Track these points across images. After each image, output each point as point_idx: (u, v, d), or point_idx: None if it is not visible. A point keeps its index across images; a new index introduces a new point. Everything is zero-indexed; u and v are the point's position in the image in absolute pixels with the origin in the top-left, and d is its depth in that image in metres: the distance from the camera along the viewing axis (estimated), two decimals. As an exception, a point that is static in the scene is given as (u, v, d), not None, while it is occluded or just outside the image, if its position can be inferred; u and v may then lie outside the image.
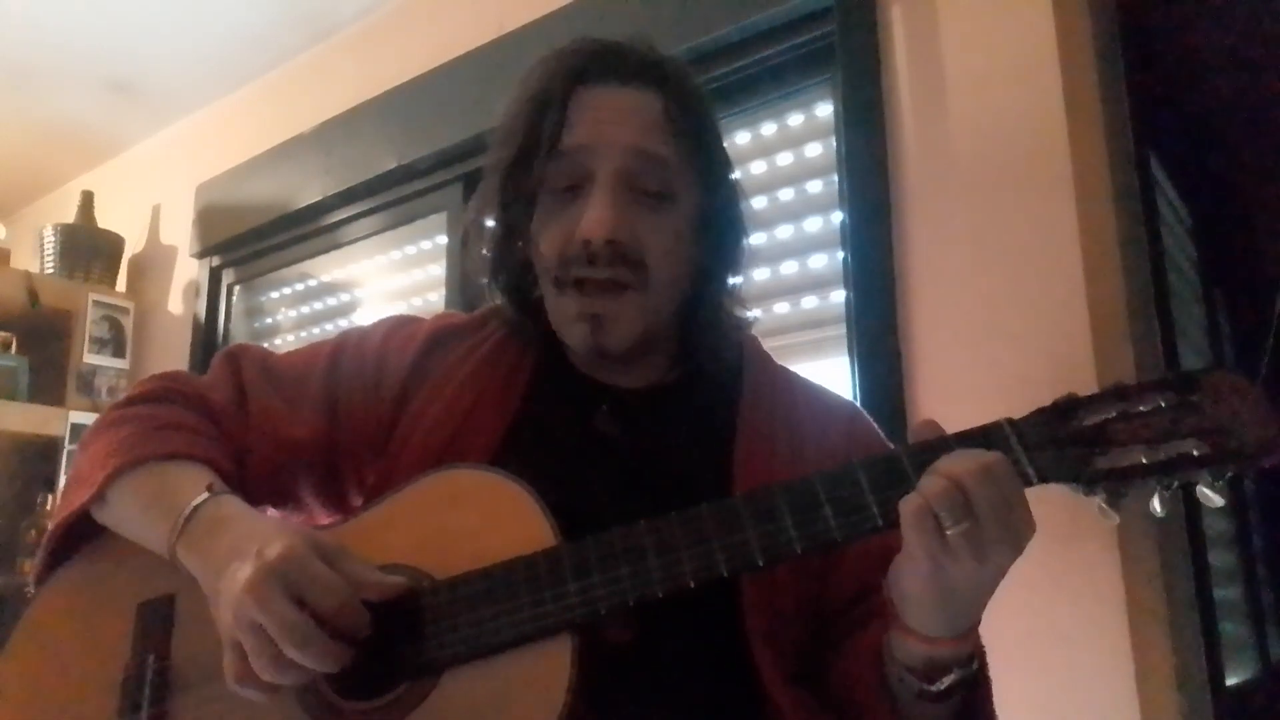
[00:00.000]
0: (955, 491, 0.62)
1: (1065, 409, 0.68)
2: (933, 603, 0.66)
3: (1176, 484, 0.65)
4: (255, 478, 0.87)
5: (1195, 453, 0.64)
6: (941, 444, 0.67)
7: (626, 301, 0.83)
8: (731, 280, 0.93)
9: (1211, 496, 0.65)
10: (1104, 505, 0.66)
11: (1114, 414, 0.66)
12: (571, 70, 0.85)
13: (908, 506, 0.64)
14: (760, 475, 0.80)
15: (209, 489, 0.78)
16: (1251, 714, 1.70)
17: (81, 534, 0.85)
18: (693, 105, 0.87)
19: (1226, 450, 0.63)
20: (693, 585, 0.68)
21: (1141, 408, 0.66)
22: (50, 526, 0.86)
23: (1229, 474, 0.64)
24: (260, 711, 0.70)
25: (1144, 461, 0.64)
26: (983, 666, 0.73)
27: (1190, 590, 1.29)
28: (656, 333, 0.88)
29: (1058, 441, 0.66)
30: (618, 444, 0.85)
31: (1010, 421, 0.68)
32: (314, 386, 0.90)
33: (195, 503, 0.76)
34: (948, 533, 0.62)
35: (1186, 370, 0.67)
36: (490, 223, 0.92)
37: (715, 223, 0.89)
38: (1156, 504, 0.66)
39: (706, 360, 0.92)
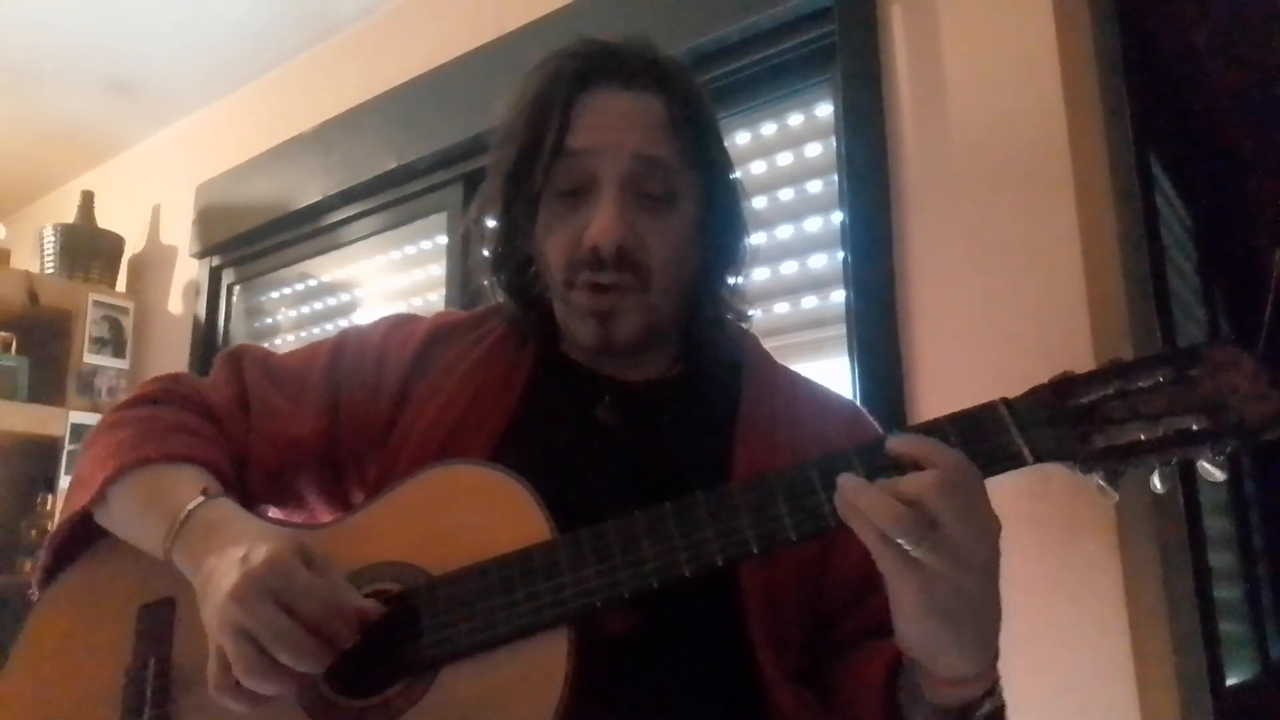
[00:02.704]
0: (908, 515, 0.60)
1: (1061, 387, 0.66)
2: (939, 630, 0.63)
3: (1176, 460, 0.64)
4: (257, 478, 0.88)
5: (1195, 428, 0.62)
6: (935, 427, 0.67)
7: (631, 300, 0.83)
8: (733, 274, 0.94)
9: (1213, 471, 0.63)
10: (1102, 483, 0.65)
11: (1111, 391, 0.65)
12: (573, 73, 0.85)
13: (866, 538, 0.62)
14: (760, 469, 0.80)
15: (204, 492, 0.78)
16: (1251, 714, 1.70)
17: (83, 537, 0.85)
18: (694, 106, 0.87)
19: (1226, 424, 0.62)
20: (688, 575, 0.67)
21: (1139, 384, 0.65)
22: (52, 529, 0.86)
23: (1229, 449, 0.62)
24: (259, 710, 0.70)
25: (1142, 438, 0.63)
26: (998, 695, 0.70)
27: (1190, 590, 1.29)
28: (659, 328, 0.88)
29: (1054, 420, 0.65)
30: (618, 436, 0.85)
31: (1006, 401, 0.67)
32: (315, 384, 0.90)
33: (190, 506, 0.77)
34: (913, 555, 0.60)
35: (1185, 345, 0.66)
36: (492, 222, 0.92)
37: (717, 222, 0.90)
38: (1156, 480, 0.65)
39: (707, 356, 0.92)
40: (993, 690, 0.67)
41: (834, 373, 1.56)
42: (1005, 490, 1.27)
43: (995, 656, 0.66)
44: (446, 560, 0.73)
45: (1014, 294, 1.35)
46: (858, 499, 0.62)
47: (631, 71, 0.86)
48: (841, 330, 1.56)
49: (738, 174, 0.94)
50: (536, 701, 0.66)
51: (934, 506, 0.60)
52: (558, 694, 0.65)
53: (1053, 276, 1.31)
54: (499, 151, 0.89)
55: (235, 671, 0.65)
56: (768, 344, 0.98)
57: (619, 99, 0.85)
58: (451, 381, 0.88)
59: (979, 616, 0.63)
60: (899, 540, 0.60)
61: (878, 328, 1.46)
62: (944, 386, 1.39)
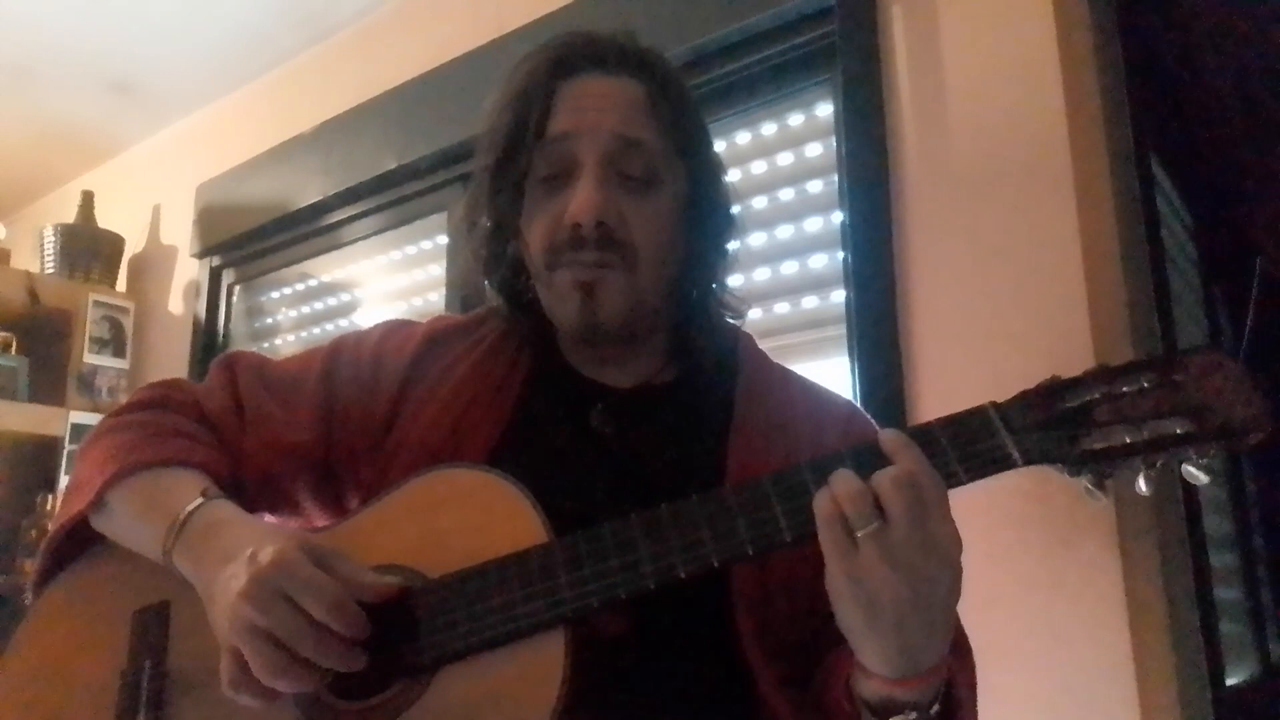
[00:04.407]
0: (866, 494, 0.62)
1: (1050, 391, 0.68)
2: (864, 625, 0.64)
3: (1161, 463, 0.65)
4: (251, 483, 0.87)
5: (1179, 431, 0.63)
6: (926, 431, 0.67)
7: (615, 276, 0.83)
8: (723, 271, 0.94)
9: (1197, 475, 0.64)
10: (1090, 486, 0.66)
11: (1098, 395, 0.66)
12: (554, 62, 0.86)
13: (819, 507, 0.64)
14: (753, 473, 0.80)
15: (203, 494, 0.78)
16: (1251, 714, 1.70)
17: (78, 541, 0.85)
18: (675, 93, 0.88)
19: (1210, 428, 0.63)
20: (683, 576, 0.68)
21: (1125, 388, 0.66)
22: (48, 533, 0.86)
23: (1213, 452, 0.64)
24: (256, 713, 0.70)
25: (1128, 441, 0.64)
26: (952, 714, 0.70)
27: (1190, 590, 1.29)
28: (646, 322, 0.88)
29: (1043, 424, 0.66)
30: (612, 443, 0.85)
31: (995, 405, 0.68)
32: (310, 390, 0.90)
33: (190, 508, 0.77)
34: (857, 535, 0.62)
35: (1169, 350, 0.67)
36: (482, 220, 0.92)
37: (703, 210, 0.90)
38: (1142, 483, 0.66)
39: (699, 353, 0.92)
40: (922, 710, 0.66)
41: (834, 373, 1.56)
42: (1006, 491, 1.28)
43: (927, 675, 0.65)
44: (444, 563, 0.73)
45: (1014, 294, 1.35)
46: (830, 477, 0.65)
47: (611, 58, 0.87)
48: (841, 330, 1.56)
49: (723, 163, 0.95)
50: (534, 702, 0.66)
51: (886, 496, 0.62)
52: (555, 694, 0.65)
53: (1053, 276, 1.31)
54: (485, 148, 0.90)
55: (255, 671, 0.65)
56: (768, 344, 0.97)
57: (599, 83, 0.86)
58: (448, 385, 0.88)
59: (904, 621, 0.63)
60: (847, 516, 0.62)
61: (878, 328, 1.45)
62: (944, 386, 1.39)
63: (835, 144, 1.63)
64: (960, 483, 0.66)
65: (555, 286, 0.85)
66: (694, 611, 0.76)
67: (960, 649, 0.78)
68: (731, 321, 0.96)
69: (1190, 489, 1.32)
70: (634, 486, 0.80)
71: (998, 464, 0.66)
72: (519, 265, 0.91)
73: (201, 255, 2.87)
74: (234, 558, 0.69)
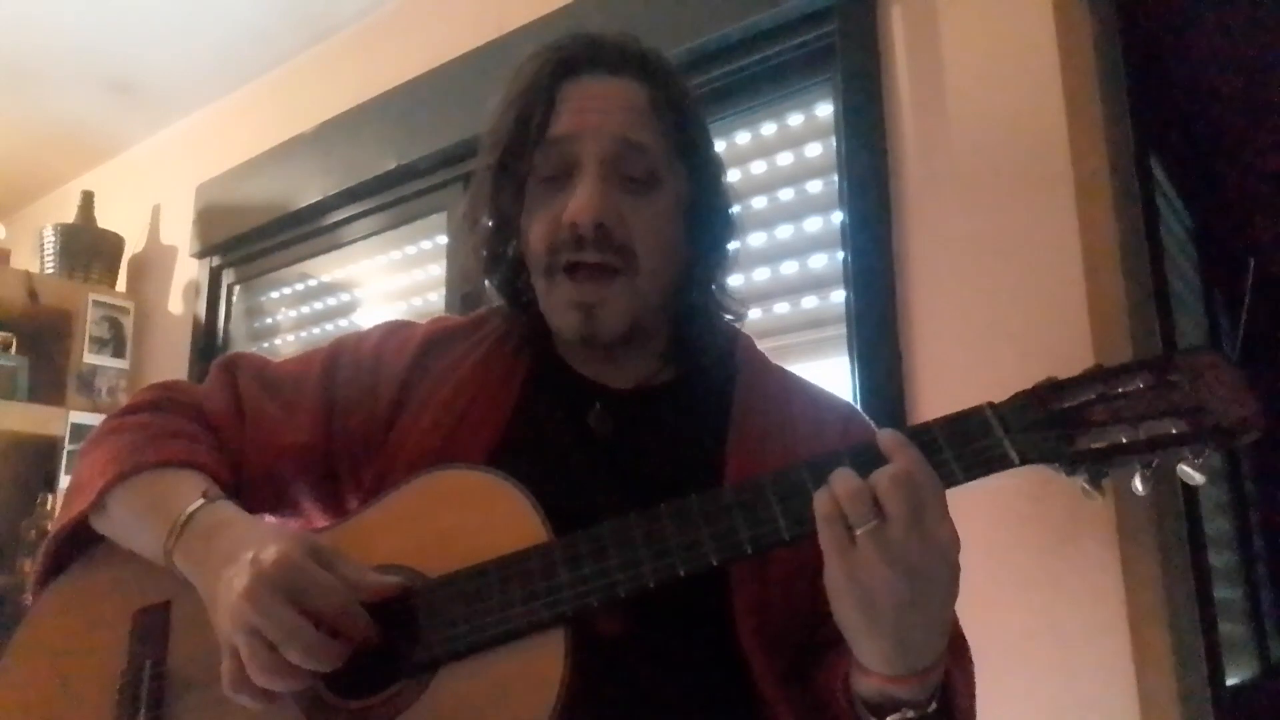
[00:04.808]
0: (865, 493, 0.63)
1: (1046, 392, 0.68)
2: (862, 622, 0.65)
3: (1156, 463, 0.66)
4: (252, 484, 0.88)
5: (1174, 431, 0.64)
6: (924, 431, 0.68)
7: (616, 288, 0.84)
8: (721, 273, 0.94)
9: (1192, 474, 0.65)
10: (1086, 485, 0.67)
11: (1094, 395, 0.67)
12: (558, 63, 0.87)
13: (819, 505, 0.64)
14: (752, 473, 0.80)
15: (205, 495, 0.78)
16: (1251, 714, 1.70)
17: (79, 542, 0.86)
18: (677, 96, 0.88)
19: (1204, 428, 0.64)
20: (683, 575, 0.68)
21: (1120, 389, 0.67)
22: (49, 534, 0.86)
23: (1208, 452, 0.64)
24: (256, 713, 0.70)
25: (1124, 441, 0.65)
26: (950, 712, 0.71)
27: (1190, 590, 1.29)
28: (646, 323, 0.88)
29: (1039, 424, 0.67)
30: (611, 443, 0.86)
31: (992, 405, 0.68)
32: (310, 391, 0.91)
33: (191, 509, 0.77)
34: (856, 533, 0.63)
35: (1165, 351, 0.68)
36: (483, 219, 0.92)
37: (703, 211, 0.90)
38: (1138, 483, 0.67)
39: (698, 355, 0.92)
40: (919, 708, 0.67)
41: (834, 373, 1.56)
42: (1005, 491, 1.28)
43: (924, 673, 0.66)
44: (444, 563, 0.73)
45: (1014, 294, 1.35)
46: (831, 476, 0.65)
47: (614, 60, 0.87)
48: (841, 330, 1.56)
49: (723, 163, 0.95)
50: (534, 700, 0.66)
51: (884, 494, 0.63)
52: (554, 693, 0.65)
53: (1053, 276, 1.31)
54: (487, 148, 0.90)
55: (250, 671, 0.66)
56: (768, 344, 0.97)
57: (602, 85, 0.86)
58: (448, 386, 0.89)
59: (902, 619, 0.64)
60: (846, 514, 0.63)
61: (878, 328, 1.45)
62: (944, 386, 1.39)
63: (835, 144, 1.63)
64: (958, 482, 0.66)
65: (555, 299, 0.86)
66: (693, 611, 0.76)
67: (957, 648, 0.78)
68: (730, 322, 0.97)
69: (1190, 489, 1.33)
70: (633, 486, 0.80)
71: (995, 463, 0.67)
72: (519, 264, 0.92)
73: (201, 255, 2.87)
74: (236, 558, 0.70)
